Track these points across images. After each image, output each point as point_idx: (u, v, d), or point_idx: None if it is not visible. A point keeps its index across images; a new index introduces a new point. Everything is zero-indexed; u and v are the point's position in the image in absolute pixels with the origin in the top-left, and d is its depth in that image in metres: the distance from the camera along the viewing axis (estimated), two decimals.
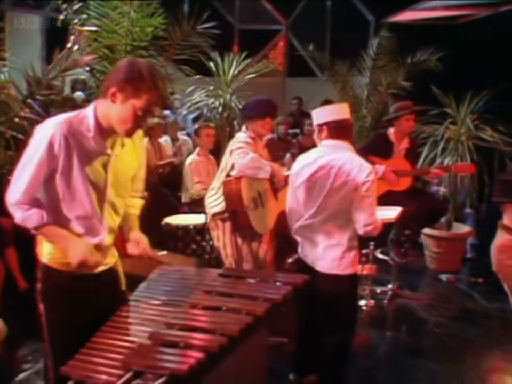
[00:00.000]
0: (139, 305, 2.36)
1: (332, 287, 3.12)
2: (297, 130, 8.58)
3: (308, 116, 8.77)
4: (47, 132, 2.13)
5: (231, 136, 5.98)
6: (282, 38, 10.70)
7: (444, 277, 5.74)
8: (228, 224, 3.82)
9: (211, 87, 6.78)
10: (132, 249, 2.41)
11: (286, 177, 4.03)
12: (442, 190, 6.76)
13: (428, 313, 4.85)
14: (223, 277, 2.77)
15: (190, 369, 1.78)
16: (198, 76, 7.10)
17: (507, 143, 5.41)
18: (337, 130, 3.16)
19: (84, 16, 5.45)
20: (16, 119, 3.48)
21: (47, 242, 2.26)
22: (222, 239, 3.86)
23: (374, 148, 4.88)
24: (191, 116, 8.41)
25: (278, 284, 2.64)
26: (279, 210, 3.93)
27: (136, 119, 2.13)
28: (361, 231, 3.09)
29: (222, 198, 3.79)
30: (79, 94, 7.98)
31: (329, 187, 3.09)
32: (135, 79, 2.09)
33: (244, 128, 3.94)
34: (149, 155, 6.78)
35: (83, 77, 7.13)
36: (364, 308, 4.89)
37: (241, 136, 3.85)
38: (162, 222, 4.83)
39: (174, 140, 7.25)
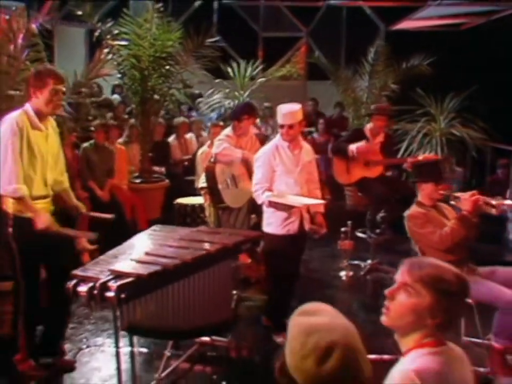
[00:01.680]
0: (132, 245, 3.37)
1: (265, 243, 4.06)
2: (313, 129, 9.45)
3: (322, 115, 9.66)
4: (9, 123, 3.32)
5: None
6: (303, 44, 11.58)
7: None
8: (211, 197, 4.86)
9: (227, 90, 7.72)
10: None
11: None
12: None
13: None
14: (199, 232, 3.75)
15: (149, 275, 2.76)
16: (217, 80, 8.15)
17: (477, 138, 6.14)
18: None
19: (116, 32, 6.55)
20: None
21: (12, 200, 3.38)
22: (208, 209, 4.89)
23: (351, 141, 5.73)
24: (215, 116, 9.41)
25: (235, 236, 3.60)
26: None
27: (52, 98, 3.36)
28: None
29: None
30: (115, 97, 9.15)
31: None
32: (39, 75, 3.39)
33: (231, 126, 4.96)
34: (174, 150, 7.88)
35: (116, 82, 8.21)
36: (343, 278, 5.75)
37: (226, 131, 4.88)
38: (174, 202, 5.86)
39: (198, 136, 8.27)
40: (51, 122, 3.56)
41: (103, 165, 6.00)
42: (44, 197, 3.51)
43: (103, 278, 2.73)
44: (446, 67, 7.52)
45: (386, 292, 1.85)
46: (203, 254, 3.15)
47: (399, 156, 6.21)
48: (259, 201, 4.07)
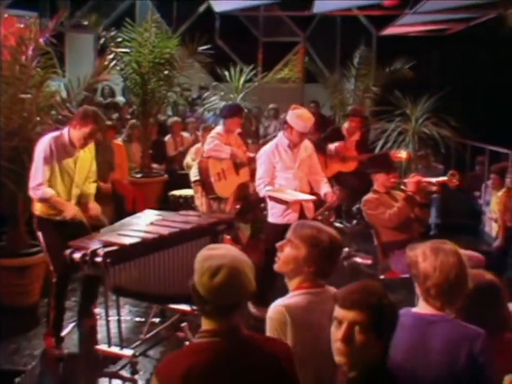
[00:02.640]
0: (122, 223, 4.00)
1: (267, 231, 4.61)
2: None
3: (323, 117, 10.21)
4: (45, 142, 3.97)
5: None
6: (301, 48, 12.17)
7: None
8: (202, 189, 5.47)
9: (222, 93, 8.33)
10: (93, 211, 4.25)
11: (249, 158, 5.59)
12: None
13: (368, 268, 6.20)
14: (180, 215, 4.37)
15: (131, 245, 3.39)
16: (214, 83, 8.78)
17: (447, 136, 6.68)
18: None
19: (119, 39, 7.21)
20: (60, 117, 5.17)
21: (39, 203, 4.04)
22: (200, 199, 5.51)
23: (329, 139, 6.33)
24: None
25: (210, 218, 4.22)
26: (240, 182, 5.50)
27: (85, 139, 3.99)
28: None
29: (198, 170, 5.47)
30: (120, 99, 9.82)
31: None
32: (86, 115, 3.98)
33: (221, 123, 5.55)
34: (169, 147, 8.48)
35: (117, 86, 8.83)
36: None
37: (217, 129, 5.49)
38: (169, 194, 6.50)
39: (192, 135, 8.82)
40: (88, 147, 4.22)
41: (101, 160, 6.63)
42: None
43: (94, 247, 3.36)
44: (427, 70, 8.09)
45: (277, 245, 2.45)
46: (179, 231, 3.77)
47: (376, 152, 6.77)
48: (261, 194, 4.55)
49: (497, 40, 8.39)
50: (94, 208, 4.26)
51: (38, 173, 3.94)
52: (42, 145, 3.98)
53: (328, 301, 2.33)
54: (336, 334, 1.80)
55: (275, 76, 12.01)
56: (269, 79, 9.87)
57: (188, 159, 6.81)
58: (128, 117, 8.11)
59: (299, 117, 4.41)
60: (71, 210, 3.98)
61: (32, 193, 3.99)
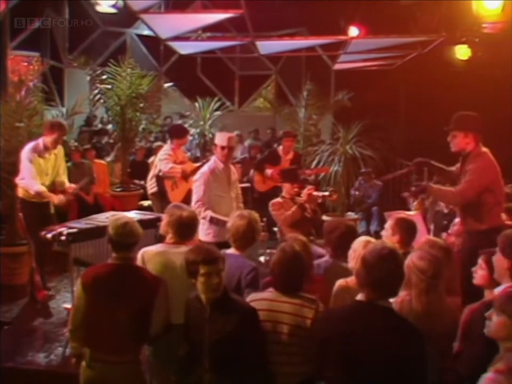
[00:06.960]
0: (89, 218, 5.44)
1: None
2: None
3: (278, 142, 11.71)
4: (27, 150, 5.59)
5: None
6: (273, 81, 13.77)
7: None
8: (158, 199, 6.95)
9: (191, 121, 9.87)
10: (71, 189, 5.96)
11: (193, 171, 7.02)
12: (357, 193, 9.61)
13: None
14: (135, 213, 5.83)
15: (86, 229, 4.85)
16: (187, 112, 10.33)
17: (368, 156, 8.10)
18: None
19: (104, 77, 8.80)
20: None
21: (21, 189, 5.71)
22: (155, 206, 6.97)
23: (268, 159, 7.79)
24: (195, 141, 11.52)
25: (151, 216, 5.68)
26: (189, 188, 6.94)
27: (55, 141, 5.71)
28: None
29: (155, 183, 6.95)
30: (110, 127, 11.37)
31: None
32: (53, 125, 5.77)
33: (169, 142, 7.04)
34: (151, 167, 9.95)
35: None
36: (263, 261, 7.72)
37: (166, 149, 6.95)
38: (139, 203, 8.00)
39: None
40: (57, 150, 5.85)
41: (83, 177, 8.10)
42: None
43: (60, 229, 4.82)
44: (361, 101, 9.62)
45: None
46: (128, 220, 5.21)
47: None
48: (201, 216, 5.25)
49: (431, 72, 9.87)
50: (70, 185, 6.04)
51: (27, 171, 5.58)
52: (26, 153, 5.62)
53: (180, 253, 3.64)
54: None
55: (250, 105, 13.59)
56: (244, 108, 11.33)
57: None
58: (111, 141, 9.64)
59: (218, 134, 5.77)
60: (56, 199, 5.73)
61: (28, 185, 5.60)
